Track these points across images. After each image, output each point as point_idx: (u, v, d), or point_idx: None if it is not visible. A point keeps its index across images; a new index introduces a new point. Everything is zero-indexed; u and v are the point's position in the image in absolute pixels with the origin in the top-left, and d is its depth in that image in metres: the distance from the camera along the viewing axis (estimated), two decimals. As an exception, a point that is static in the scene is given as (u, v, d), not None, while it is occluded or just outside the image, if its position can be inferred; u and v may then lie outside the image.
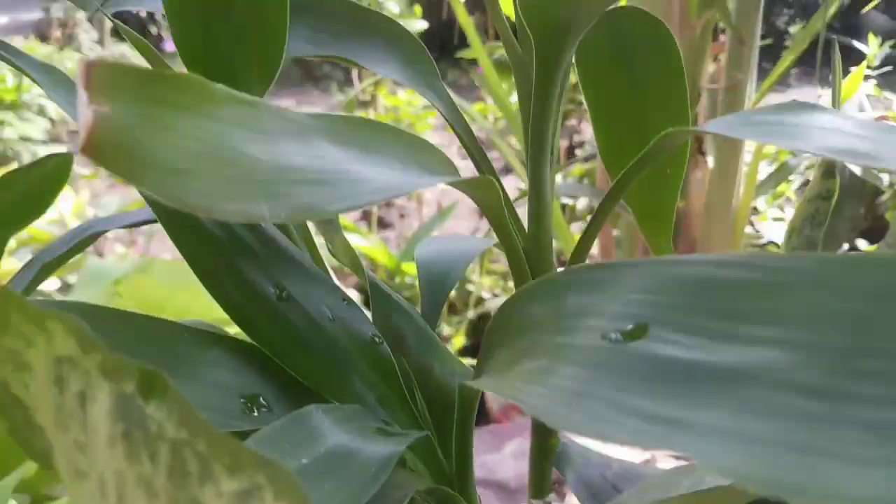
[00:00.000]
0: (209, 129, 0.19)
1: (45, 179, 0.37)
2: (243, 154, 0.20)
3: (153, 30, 3.27)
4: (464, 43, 1.46)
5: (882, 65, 2.36)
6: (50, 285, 1.24)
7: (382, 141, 0.25)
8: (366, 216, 1.91)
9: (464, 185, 0.25)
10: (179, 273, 0.61)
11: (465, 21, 1.04)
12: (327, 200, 0.19)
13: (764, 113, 0.28)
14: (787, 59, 0.97)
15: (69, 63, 2.44)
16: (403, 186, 0.21)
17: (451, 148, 2.54)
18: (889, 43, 2.41)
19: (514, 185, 1.86)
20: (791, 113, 0.27)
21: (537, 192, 0.34)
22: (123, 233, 1.30)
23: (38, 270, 0.26)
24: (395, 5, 1.38)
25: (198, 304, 0.60)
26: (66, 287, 1.24)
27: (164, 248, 1.37)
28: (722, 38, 1.05)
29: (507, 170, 1.83)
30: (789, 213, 1.36)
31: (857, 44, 2.33)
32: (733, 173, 1.04)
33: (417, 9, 1.52)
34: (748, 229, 1.25)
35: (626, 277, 0.21)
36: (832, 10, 0.96)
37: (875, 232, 1.63)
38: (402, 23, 0.39)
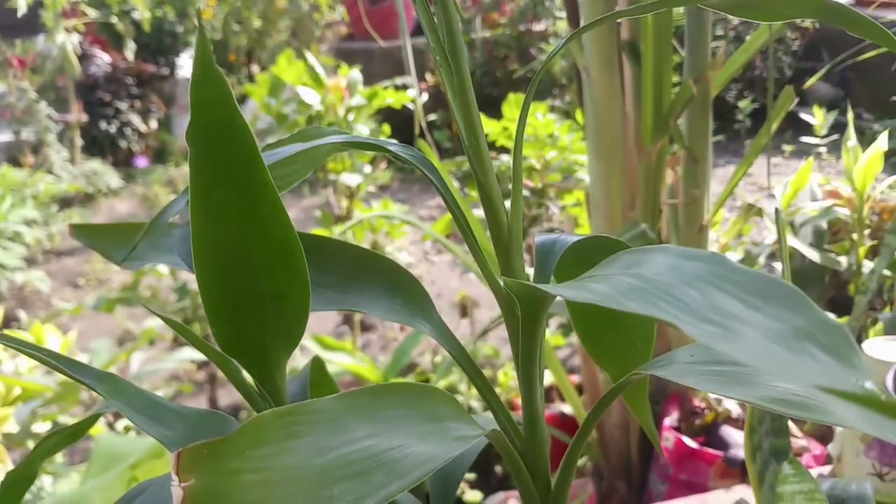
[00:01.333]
0: (262, 457, 0.24)
1: (81, 428, 0.41)
2: (290, 468, 0.24)
3: (123, 144, 3.33)
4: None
5: (829, 133, 2.48)
6: (40, 427, 1.25)
7: (400, 401, 0.29)
8: (347, 320, 1.94)
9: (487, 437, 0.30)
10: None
11: (428, 151, 1.10)
12: (365, 496, 0.24)
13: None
14: (738, 174, 1.04)
15: (41, 185, 2.49)
16: (428, 463, 0.26)
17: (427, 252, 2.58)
18: (834, 112, 2.54)
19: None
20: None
21: (530, 404, 0.38)
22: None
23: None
24: (365, 127, 1.45)
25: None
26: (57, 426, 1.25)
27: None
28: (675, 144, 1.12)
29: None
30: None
31: (803, 115, 2.45)
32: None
33: (386, 128, 1.59)
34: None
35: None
36: (776, 122, 1.04)
37: (839, 299, 1.70)
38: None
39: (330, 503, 0.23)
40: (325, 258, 0.40)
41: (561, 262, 0.39)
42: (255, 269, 0.30)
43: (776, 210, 0.51)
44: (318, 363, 0.44)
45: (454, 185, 1.12)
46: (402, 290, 0.40)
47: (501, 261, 0.35)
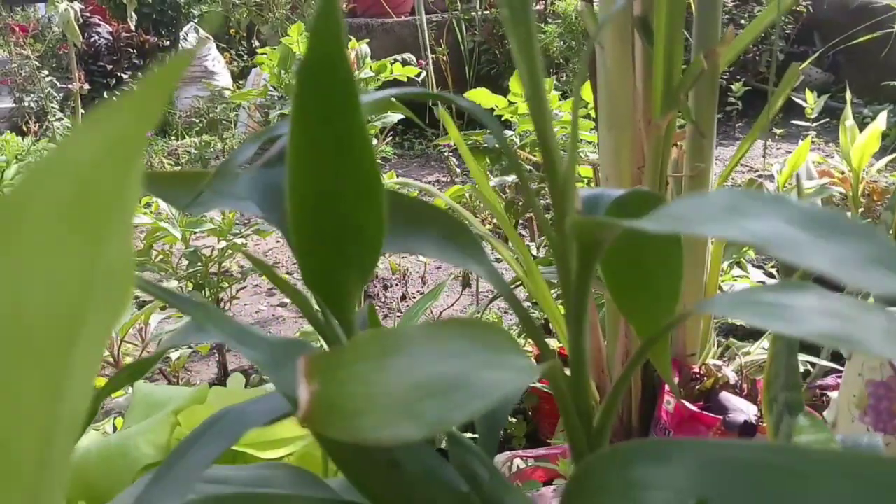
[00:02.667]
0: (368, 369, 0.26)
1: (145, 366, 0.44)
2: (385, 383, 0.27)
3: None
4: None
5: (819, 117, 2.52)
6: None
7: (469, 333, 0.32)
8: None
9: (543, 375, 0.33)
10: (233, 399, 0.67)
11: (447, 119, 1.12)
12: (448, 411, 0.26)
13: (762, 292, 0.36)
14: (741, 150, 1.07)
15: (45, 153, 2.47)
16: (498, 388, 0.28)
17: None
18: (825, 96, 2.58)
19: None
20: (784, 293, 0.35)
21: (577, 348, 0.41)
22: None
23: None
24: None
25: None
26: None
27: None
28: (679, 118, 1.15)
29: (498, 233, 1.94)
30: (751, 271, 1.46)
31: (795, 97, 2.48)
32: (702, 251, 1.13)
33: (393, 101, 1.61)
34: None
35: (683, 456, 0.28)
36: (777, 106, 1.07)
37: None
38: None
39: (418, 416, 0.25)
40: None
41: (607, 215, 0.42)
42: (342, 203, 0.33)
43: (797, 179, 0.54)
44: (371, 308, 0.47)
45: (457, 161, 1.15)
46: (455, 237, 0.43)
47: (556, 203, 0.38)
